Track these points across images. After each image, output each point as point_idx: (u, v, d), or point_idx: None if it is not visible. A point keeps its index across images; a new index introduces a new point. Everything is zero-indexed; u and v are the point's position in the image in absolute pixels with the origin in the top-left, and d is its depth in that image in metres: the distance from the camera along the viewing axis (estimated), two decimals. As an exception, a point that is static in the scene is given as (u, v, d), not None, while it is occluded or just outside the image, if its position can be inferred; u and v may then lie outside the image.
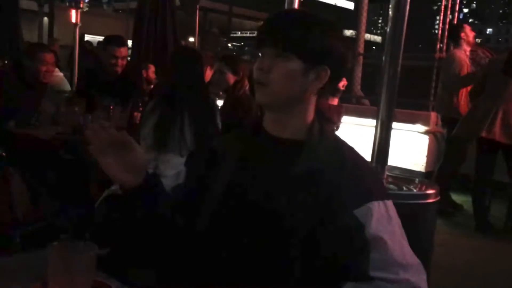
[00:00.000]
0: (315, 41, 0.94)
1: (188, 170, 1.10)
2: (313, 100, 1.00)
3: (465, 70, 3.98)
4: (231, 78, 2.98)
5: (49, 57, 3.09)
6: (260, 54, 0.98)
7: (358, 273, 0.88)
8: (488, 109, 3.51)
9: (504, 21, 71.27)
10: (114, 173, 0.93)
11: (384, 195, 0.94)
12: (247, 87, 2.96)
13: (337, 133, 0.91)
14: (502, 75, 3.45)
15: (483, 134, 3.51)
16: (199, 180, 1.03)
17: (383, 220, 0.90)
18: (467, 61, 4.03)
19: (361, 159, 1.00)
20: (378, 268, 0.88)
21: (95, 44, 10.36)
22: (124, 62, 3.20)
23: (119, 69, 3.18)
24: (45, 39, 9.43)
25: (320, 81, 0.97)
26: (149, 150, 2.23)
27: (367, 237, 0.88)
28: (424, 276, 0.91)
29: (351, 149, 1.00)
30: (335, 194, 0.91)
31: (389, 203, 0.94)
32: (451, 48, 4.30)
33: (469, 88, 3.94)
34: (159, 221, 1.00)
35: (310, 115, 1.00)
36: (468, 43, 4.08)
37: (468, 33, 4.07)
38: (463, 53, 4.05)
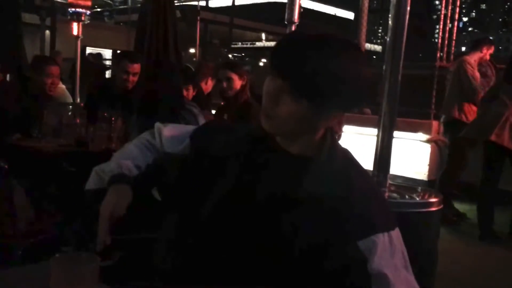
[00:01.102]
0: (329, 86, 0.85)
1: (192, 146, 1.07)
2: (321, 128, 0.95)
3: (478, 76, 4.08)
4: (238, 84, 3.02)
5: (55, 69, 3.12)
6: (271, 74, 0.90)
7: None
8: (499, 113, 3.53)
9: (504, 30, 71.53)
10: None
11: (389, 225, 0.90)
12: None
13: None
14: None
15: (493, 137, 3.51)
16: (204, 167, 1.01)
17: (386, 254, 0.87)
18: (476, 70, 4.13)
19: (369, 184, 0.97)
20: None
21: (104, 56, 10.44)
22: (136, 78, 3.23)
23: (130, 85, 3.21)
24: (47, 52, 9.50)
25: (331, 121, 0.93)
26: None
27: (370, 272, 0.85)
28: None
29: (359, 172, 0.96)
30: (339, 222, 0.87)
31: (394, 233, 0.90)
32: (463, 56, 4.35)
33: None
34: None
35: (320, 132, 0.95)
36: (482, 57, 4.19)
37: (488, 53, 4.22)
38: (473, 61, 4.13)
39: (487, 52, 4.23)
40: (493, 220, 3.73)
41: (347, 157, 0.98)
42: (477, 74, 4.13)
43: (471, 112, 4.16)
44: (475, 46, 4.31)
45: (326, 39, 0.88)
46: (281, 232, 0.89)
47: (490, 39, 4.62)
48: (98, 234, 0.98)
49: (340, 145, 0.99)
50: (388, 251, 0.87)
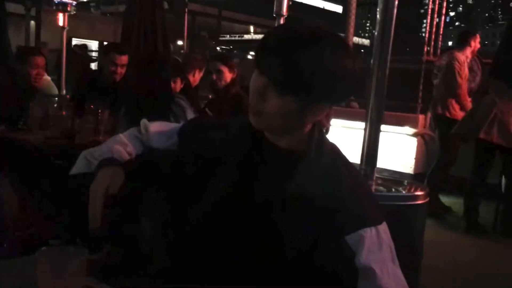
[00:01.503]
0: (315, 82, 0.85)
1: (181, 141, 1.07)
2: (308, 123, 0.95)
3: (467, 73, 4.09)
4: (228, 76, 3.00)
5: (40, 60, 3.07)
6: (257, 69, 0.90)
7: None
8: (488, 111, 3.56)
9: (490, 25, 72.30)
10: None
11: (377, 219, 0.91)
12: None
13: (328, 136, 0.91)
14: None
15: (481, 135, 3.55)
16: (192, 163, 1.01)
17: (374, 248, 0.88)
18: (467, 66, 4.14)
19: (357, 179, 0.97)
20: None
21: (90, 48, 10.27)
22: (124, 70, 3.19)
23: (117, 77, 3.18)
24: (32, 43, 9.33)
25: (318, 115, 0.93)
26: None
27: (357, 266, 0.86)
28: None
29: (347, 167, 0.97)
30: (328, 217, 0.88)
31: (382, 227, 0.91)
32: (453, 51, 4.36)
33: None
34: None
35: (308, 128, 0.96)
36: (473, 51, 4.20)
37: (477, 42, 4.20)
38: (465, 57, 4.15)
39: (475, 44, 4.25)
40: (478, 213, 3.79)
41: (334, 152, 0.98)
42: (466, 71, 4.14)
43: (455, 108, 4.19)
44: (463, 41, 4.31)
45: (311, 34, 0.87)
46: (271, 228, 0.90)
47: (473, 31, 4.64)
48: (90, 213, 0.95)
49: (328, 139, 0.99)
50: (376, 245, 0.88)
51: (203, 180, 0.99)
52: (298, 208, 0.89)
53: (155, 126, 1.14)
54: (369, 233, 0.88)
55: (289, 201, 0.90)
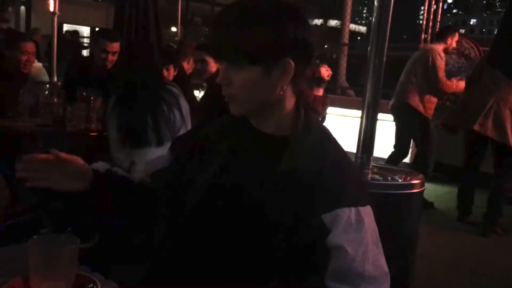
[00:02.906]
0: (262, 41, 0.87)
1: (173, 155, 1.08)
2: (288, 93, 0.94)
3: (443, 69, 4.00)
4: (214, 67, 2.93)
5: (30, 46, 3.01)
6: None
7: (314, 279, 0.86)
8: (484, 101, 3.47)
9: (488, 12, 72.28)
10: (63, 187, 0.98)
11: (360, 200, 0.91)
12: None
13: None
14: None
15: (476, 127, 3.47)
16: (184, 165, 1.02)
17: (350, 228, 0.87)
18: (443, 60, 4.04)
19: (344, 159, 0.96)
20: (334, 278, 0.86)
21: (82, 34, 10.11)
22: (115, 57, 3.12)
23: (109, 64, 3.11)
24: (22, 29, 9.20)
25: (286, 75, 0.91)
26: (119, 149, 2.19)
27: (329, 244, 0.86)
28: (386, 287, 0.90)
29: (335, 146, 0.96)
30: (309, 195, 0.88)
31: (364, 209, 0.90)
32: (432, 45, 4.26)
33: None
34: (135, 206, 1.03)
35: (288, 108, 0.95)
36: (446, 49, 4.11)
37: (454, 41, 4.10)
38: (441, 51, 4.05)
39: (452, 42, 4.10)
40: (473, 203, 3.80)
41: (323, 133, 0.98)
42: (443, 65, 4.03)
43: (430, 103, 4.05)
44: (440, 37, 4.18)
45: (251, 3, 0.91)
46: (257, 212, 0.90)
47: (454, 28, 4.44)
48: None
49: (317, 121, 1.01)
50: (353, 226, 0.87)
51: (192, 171, 1.00)
52: (285, 190, 0.89)
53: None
54: (347, 212, 0.87)
55: (275, 184, 0.90)
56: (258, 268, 0.89)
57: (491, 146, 3.61)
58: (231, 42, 0.89)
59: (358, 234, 0.88)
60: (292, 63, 0.90)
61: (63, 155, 0.97)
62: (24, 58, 2.94)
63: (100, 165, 1.06)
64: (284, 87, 0.92)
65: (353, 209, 0.88)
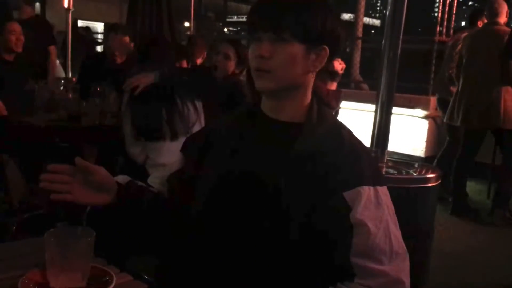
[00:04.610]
0: (314, 22, 0.93)
1: (185, 156, 1.08)
2: (311, 81, 0.99)
3: None
4: (232, 66, 2.86)
5: (16, 26, 3.08)
6: (255, 39, 0.95)
7: (339, 257, 0.88)
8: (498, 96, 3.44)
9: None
10: (88, 200, 0.96)
11: (377, 180, 0.93)
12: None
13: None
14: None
15: (504, 125, 3.46)
16: (197, 165, 1.02)
17: (370, 205, 0.89)
18: None
19: (359, 142, 0.99)
20: (359, 254, 0.87)
21: (96, 30, 10.16)
22: (124, 51, 3.16)
23: (117, 59, 3.15)
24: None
25: (320, 61, 0.96)
26: (135, 143, 2.21)
27: (351, 221, 0.88)
28: (407, 264, 0.90)
29: (349, 132, 1.00)
30: (330, 175, 0.91)
31: (382, 189, 0.93)
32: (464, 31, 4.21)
33: None
34: (154, 216, 1.02)
35: (308, 97, 1.00)
36: None
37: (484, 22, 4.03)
38: None
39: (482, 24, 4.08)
40: (467, 194, 3.75)
41: (335, 121, 1.02)
42: None
43: None
44: (472, 22, 4.14)
45: None
46: (283, 195, 0.91)
47: (482, 10, 4.33)
48: None
49: (329, 112, 1.04)
50: (373, 204, 0.90)
51: (210, 167, 1.00)
52: (306, 171, 0.91)
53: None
54: (367, 191, 0.90)
55: (296, 166, 0.92)
56: (284, 249, 0.91)
57: (495, 137, 3.58)
58: (287, 15, 0.91)
59: (378, 211, 0.89)
60: (328, 51, 0.95)
61: (88, 164, 0.94)
62: (14, 37, 3.02)
63: (121, 178, 1.04)
64: (314, 73, 0.97)
65: (372, 188, 0.90)
